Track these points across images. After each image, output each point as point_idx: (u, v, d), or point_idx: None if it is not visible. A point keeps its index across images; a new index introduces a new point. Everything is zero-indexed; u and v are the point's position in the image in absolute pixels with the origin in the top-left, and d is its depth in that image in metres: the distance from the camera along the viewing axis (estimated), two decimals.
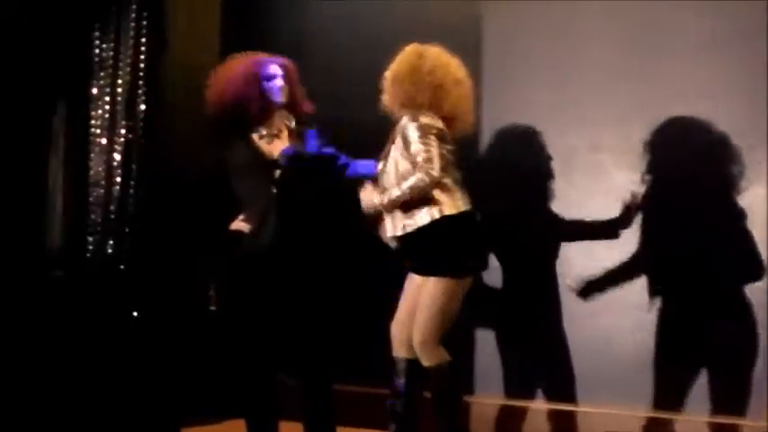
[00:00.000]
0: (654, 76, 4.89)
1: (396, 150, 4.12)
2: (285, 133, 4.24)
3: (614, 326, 4.88)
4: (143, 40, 5.12)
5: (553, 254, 5.08)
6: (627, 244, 4.87)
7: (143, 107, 5.11)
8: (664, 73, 4.87)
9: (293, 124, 4.26)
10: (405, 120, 4.07)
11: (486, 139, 5.21)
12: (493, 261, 4.72)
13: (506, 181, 5.13)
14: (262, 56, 4.30)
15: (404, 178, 4.04)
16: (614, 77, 4.96)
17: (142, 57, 5.11)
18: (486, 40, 5.14)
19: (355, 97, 4.89)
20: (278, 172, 4.17)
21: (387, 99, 4.19)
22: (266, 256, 4.13)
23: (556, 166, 5.10)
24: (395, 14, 5.31)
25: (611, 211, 4.84)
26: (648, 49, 4.89)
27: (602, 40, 4.99)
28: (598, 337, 4.91)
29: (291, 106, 4.30)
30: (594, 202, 4.94)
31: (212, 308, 4.76)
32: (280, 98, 4.22)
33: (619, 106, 4.95)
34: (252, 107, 4.15)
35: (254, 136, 4.21)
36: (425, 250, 4.08)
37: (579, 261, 4.99)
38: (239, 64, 4.25)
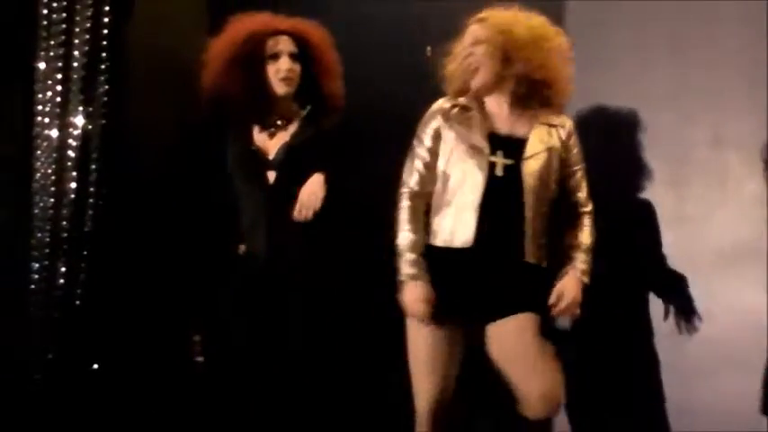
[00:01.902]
0: None
1: (551, 158, 3.81)
2: (294, 125, 4.00)
3: (743, 388, 4.39)
4: None
5: (651, 286, 4.60)
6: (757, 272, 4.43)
7: (106, 87, 4.68)
8: None
9: (305, 111, 4.01)
10: (569, 123, 3.87)
11: None
12: None
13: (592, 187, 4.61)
14: (273, 20, 4.03)
15: (548, 200, 3.79)
16: (744, 51, 4.55)
17: (105, 20, 4.66)
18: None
19: (393, 82, 4.55)
20: (272, 174, 3.96)
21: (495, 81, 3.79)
22: (256, 287, 3.96)
23: (663, 166, 4.63)
24: None
25: (740, 229, 4.48)
26: None
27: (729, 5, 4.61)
28: (719, 404, 4.44)
29: (310, 87, 4.02)
30: (717, 216, 4.53)
31: (197, 359, 4.66)
32: (282, 89, 3.96)
33: (749, 88, 4.52)
34: (247, 99, 3.97)
35: (256, 128, 4.03)
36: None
37: (694, 293, 4.53)
38: (238, 36, 3.98)
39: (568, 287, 3.71)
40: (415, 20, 4.70)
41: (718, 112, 4.55)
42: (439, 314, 3.69)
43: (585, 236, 3.81)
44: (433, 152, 3.77)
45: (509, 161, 3.73)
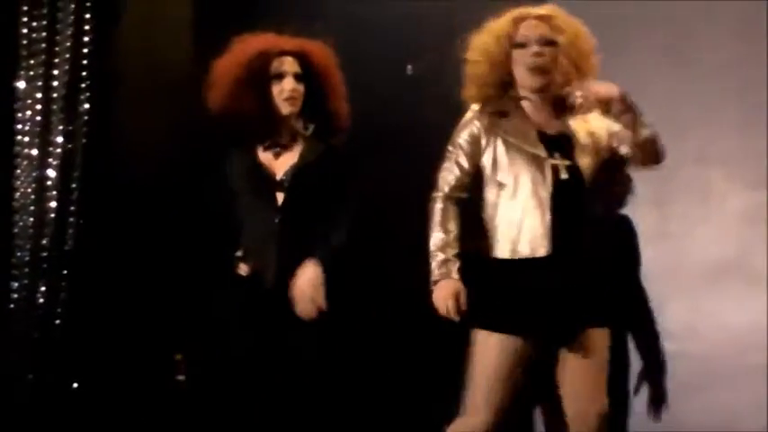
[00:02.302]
0: None
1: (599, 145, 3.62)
2: (299, 145, 3.91)
3: (737, 402, 4.36)
4: (87, 15, 4.71)
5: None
6: (749, 287, 4.39)
7: (87, 106, 4.71)
8: None
9: (309, 132, 3.93)
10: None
11: None
12: None
13: None
14: (278, 40, 3.95)
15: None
16: (728, 67, 4.54)
17: (86, 39, 4.72)
18: None
19: (390, 97, 4.48)
20: (281, 196, 3.84)
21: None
22: (265, 308, 3.78)
23: (646, 184, 4.42)
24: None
25: (724, 246, 4.45)
26: None
27: (711, 20, 4.58)
28: (713, 419, 4.38)
29: (316, 105, 3.94)
30: (700, 233, 4.49)
31: (179, 377, 4.65)
32: (285, 109, 3.87)
33: (734, 105, 4.51)
34: (252, 119, 3.86)
35: (259, 147, 3.92)
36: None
37: (678, 310, 4.46)
38: (243, 57, 3.90)
39: None
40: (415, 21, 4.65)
41: (702, 129, 4.52)
42: (512, 330, 3.51)
43: None
44: (471, 158, 3.60)
45: (567, 161, 3.60)
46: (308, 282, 3.71)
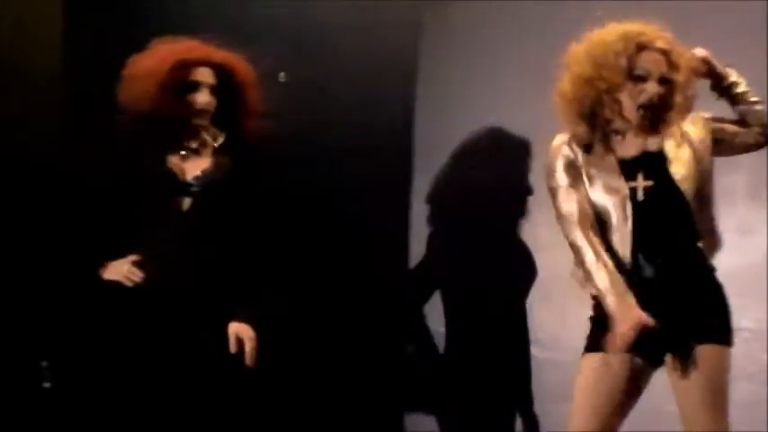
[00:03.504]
0: None
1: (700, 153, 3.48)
2: (208, 150, 3.94)
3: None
4: None
5: (518, 314, 4.51)
6: None
7: None
8: None
9: (218, 143, 3.95)
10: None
11: (421, 152, 4.68)
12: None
13: (452, 214, 4.63)
14: (201, 49, 3.95)
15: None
16: None
17: None
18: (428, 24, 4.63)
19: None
20: (188, 201, 3.84)
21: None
22: (166, 315, 3.77)
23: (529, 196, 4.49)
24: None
25: None
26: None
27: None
28: None
29: (228, 118, 3.97)
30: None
31: (45, 385, 4.44)
32: (200, 119, 3.90)
33: None
34: (169, 123, 3.87)
35: (168, 150, 3.92)
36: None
37: (546, 318, 4.44)
38: (165, 60, 3.88)
39: None
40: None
41: None
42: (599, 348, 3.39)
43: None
44: (576, 182, 3.44)
45: (649, 182, 3.42)
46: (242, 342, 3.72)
